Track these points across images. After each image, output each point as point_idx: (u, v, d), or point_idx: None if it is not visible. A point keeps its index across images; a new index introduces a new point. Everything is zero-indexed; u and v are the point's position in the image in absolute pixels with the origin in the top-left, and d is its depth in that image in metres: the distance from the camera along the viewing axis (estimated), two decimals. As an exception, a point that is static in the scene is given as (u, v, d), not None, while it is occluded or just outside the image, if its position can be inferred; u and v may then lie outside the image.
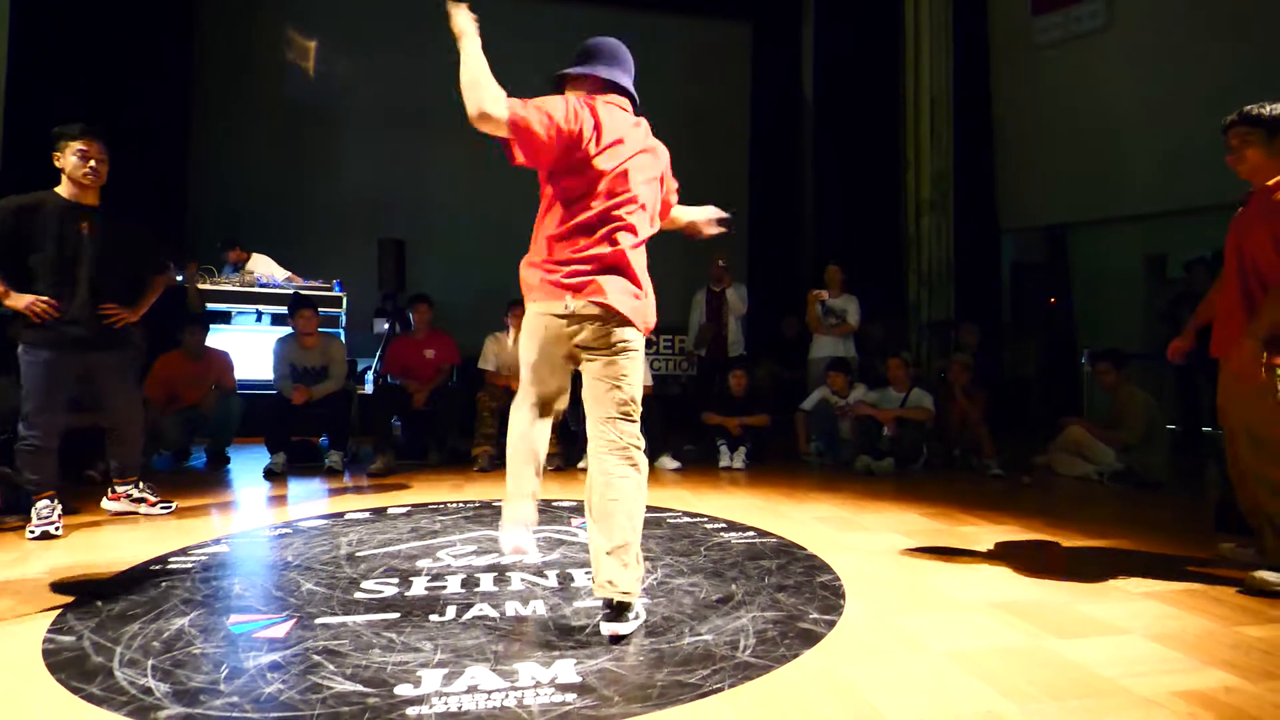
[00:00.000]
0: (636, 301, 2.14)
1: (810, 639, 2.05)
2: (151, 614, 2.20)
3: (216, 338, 5.54)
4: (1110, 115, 7.09)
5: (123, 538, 3.11)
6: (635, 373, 2.15)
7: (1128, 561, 2.85)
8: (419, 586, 2.48)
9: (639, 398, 2.18)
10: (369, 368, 6.43)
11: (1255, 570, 2.53)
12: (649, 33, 8.15)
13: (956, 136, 7.87)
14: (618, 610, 2.04)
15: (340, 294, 6.35)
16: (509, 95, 1.99)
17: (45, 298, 3.08)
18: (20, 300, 3.06)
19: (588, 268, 2.09)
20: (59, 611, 2.21)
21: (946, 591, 2.49)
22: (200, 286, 5.98)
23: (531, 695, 1.69)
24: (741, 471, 5.04)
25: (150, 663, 1.86)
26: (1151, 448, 4.69)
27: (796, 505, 3.90)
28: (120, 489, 3.52)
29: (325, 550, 2.92)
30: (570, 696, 1.69)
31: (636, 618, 2.08)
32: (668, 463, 5.02)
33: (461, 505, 3.79)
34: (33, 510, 3.10)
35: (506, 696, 1.69)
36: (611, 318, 2.09)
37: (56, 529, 3.09)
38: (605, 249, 2.10)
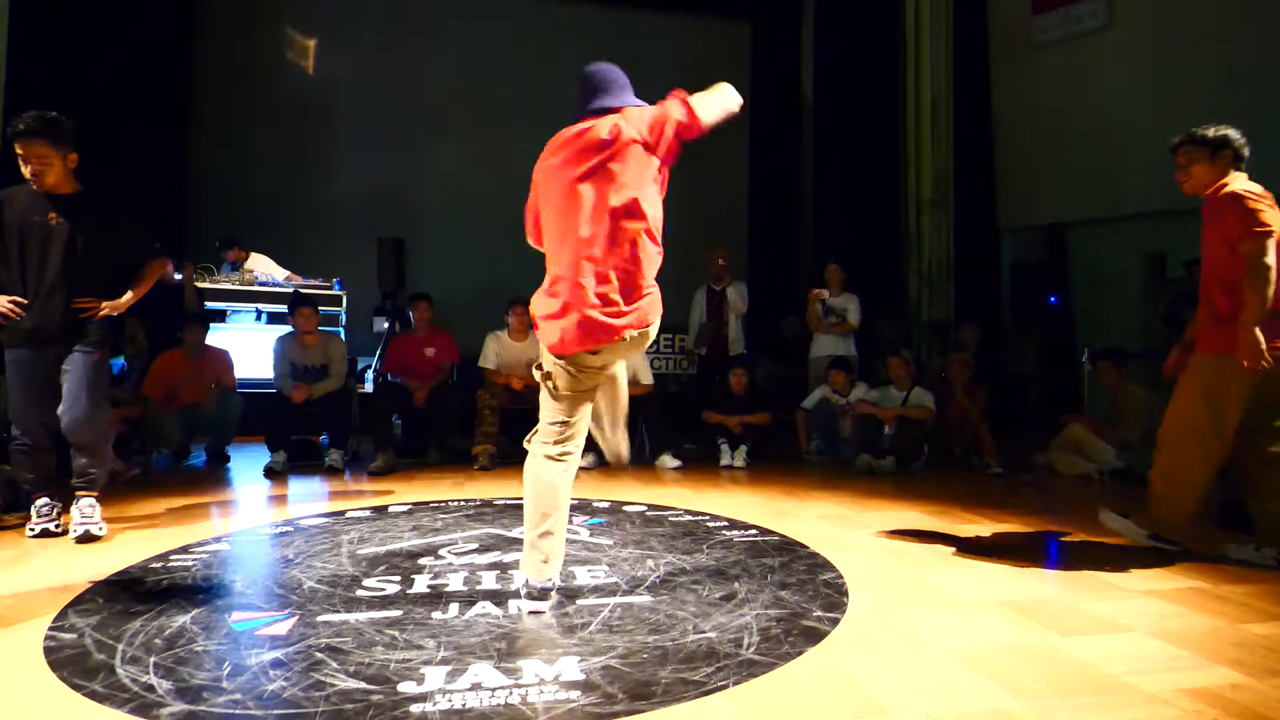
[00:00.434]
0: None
1: (814, 636, 2.04)
2: (153, 611, 2.19)
3: (216, 336, 5.53)
4: (1110, 115, 7.08)
5: (124, 535, 3.10)
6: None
7: (1129, 559, 2.85)
8: (421, 584, 2.48)
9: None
10: (369, 366, 6.42)
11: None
12: (649, 32, 8.12)
13: (956, 136, 7.84)
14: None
15: (340, 292, 6.33)
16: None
17: (12, 296, 2.94)
18: None
19: None
20: (60, 609, 2.21)
21: (949, 589, 2.49)
22: (199, 285, 5.96)
23: (536, 692, 1.69)
24: (742, 470, 5.04)
25: (152, 660, 1.85)
26: (1152, 446, 4.67)
27: (798, 503, 3.90)
28: (83, 500, 3.06)
29: (326, 548, 2.91)
30: (574, 694, 1.68)
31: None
32: (668, 461, 5.02)
33: (462, 503, 3.78)
34: (32, 508, 3.09)
35: (510, 694, 1.68)
36: None
37: (56, 526, 3.08)
38: None
